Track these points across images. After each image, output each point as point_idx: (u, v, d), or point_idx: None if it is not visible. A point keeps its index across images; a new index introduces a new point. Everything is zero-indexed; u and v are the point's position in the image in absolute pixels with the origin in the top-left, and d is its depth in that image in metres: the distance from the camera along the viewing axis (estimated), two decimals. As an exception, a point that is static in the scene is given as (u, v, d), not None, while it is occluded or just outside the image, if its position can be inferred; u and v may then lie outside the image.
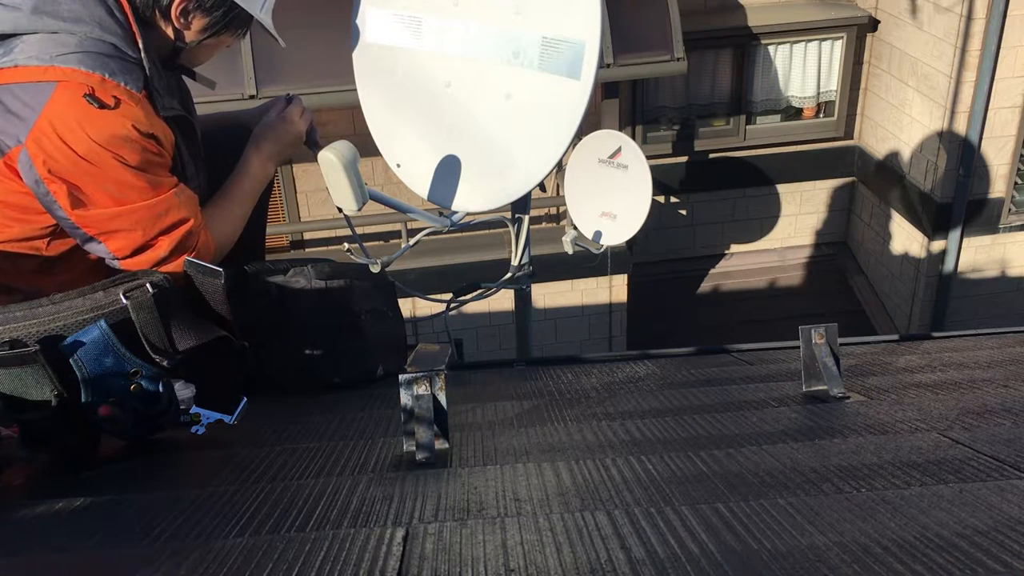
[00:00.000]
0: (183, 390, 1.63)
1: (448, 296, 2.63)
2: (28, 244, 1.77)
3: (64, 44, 1.65)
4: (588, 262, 4.35)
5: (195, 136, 2.01)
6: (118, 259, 1.76)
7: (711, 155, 7.50)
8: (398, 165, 2.41)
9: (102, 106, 1.64)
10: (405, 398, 1.43)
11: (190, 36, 1.84)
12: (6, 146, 1.65)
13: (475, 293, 2.65)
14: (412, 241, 2.34)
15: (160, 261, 1.78)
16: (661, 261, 7.73)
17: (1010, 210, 6.95)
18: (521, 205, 2.50)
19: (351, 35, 2.39)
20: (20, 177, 1.67)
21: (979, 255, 7.08)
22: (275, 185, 2.47)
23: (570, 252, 2.79)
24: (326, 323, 2.11)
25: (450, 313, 2.71)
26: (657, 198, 7.49)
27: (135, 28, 1.73)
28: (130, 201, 1.72)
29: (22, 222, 1.74)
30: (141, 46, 1.73)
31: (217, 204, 1.98)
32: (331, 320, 2.11)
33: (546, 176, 2.22)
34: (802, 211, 7.89)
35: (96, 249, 1.76)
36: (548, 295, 6.66)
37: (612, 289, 6.97)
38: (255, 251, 2.33)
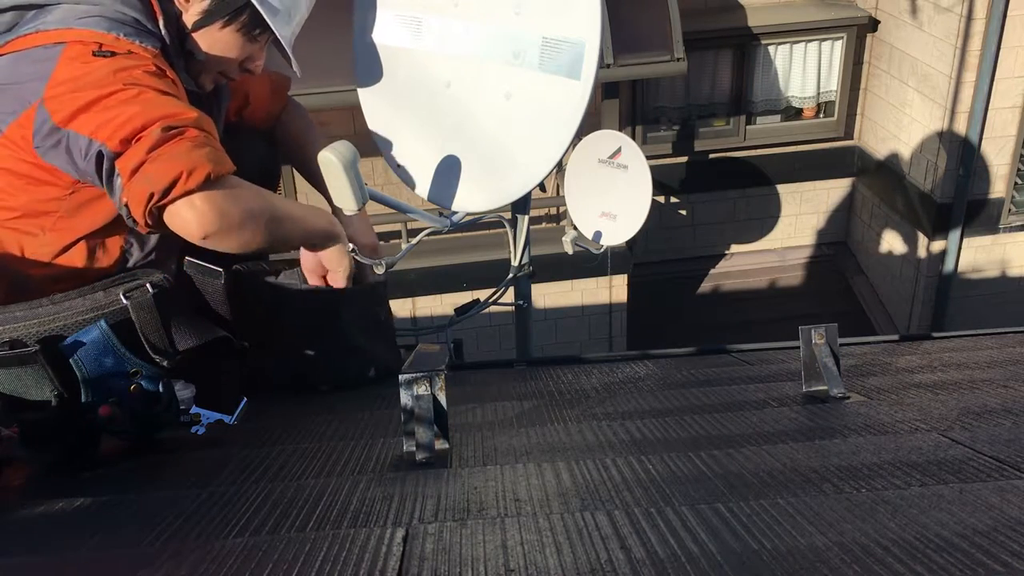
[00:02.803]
0: (183, 390, 1.63)
1: (444, 295, 2.63)
2: (33, 222, 1.77)
3: (86, 12, 1.70)
4: (588, 262, 4.35)
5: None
6: (115, 153, 1.60)
7: (711, 155, 7.50)
8: (398, 165, 2.41)
9: (113, 55, 1.65)
10: (405, 398, 1.43)
11: (188, 18, 1.81)
12: (26, 105, 1.65)
13: (474, 310, 2.65)
14: (414, 241, 2.34)
15: (153, 146, 1.57)
16: (661, 261, 7.73)
17: (1010, 210, 6.95)
18: (521, 205, 2.50)
19: (351, 35, 2.39)
20: (31, 140, 1.66)
21: (979, 255, 7.08)
22: (278, 185, 2.47)
23: (570, 252, 2.79)
24: (317, 324, 2.10)
25: (452, 327, 2.71)
26: (657, 198, 7.49)
27: (156, 6, 1.77)
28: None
29: (29, 192, 1.73)
30: (161, 23, 1.77)
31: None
32: (322, 321, 2.10)
33: (546, 176, 2.21)
34: (802, 211, 7.89)
35: (97, 155, 1.61)
36: (548, 295, 6.66)
37: (612, 289, 6.97)
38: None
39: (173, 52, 1.80)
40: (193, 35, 1.83)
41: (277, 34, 1.85)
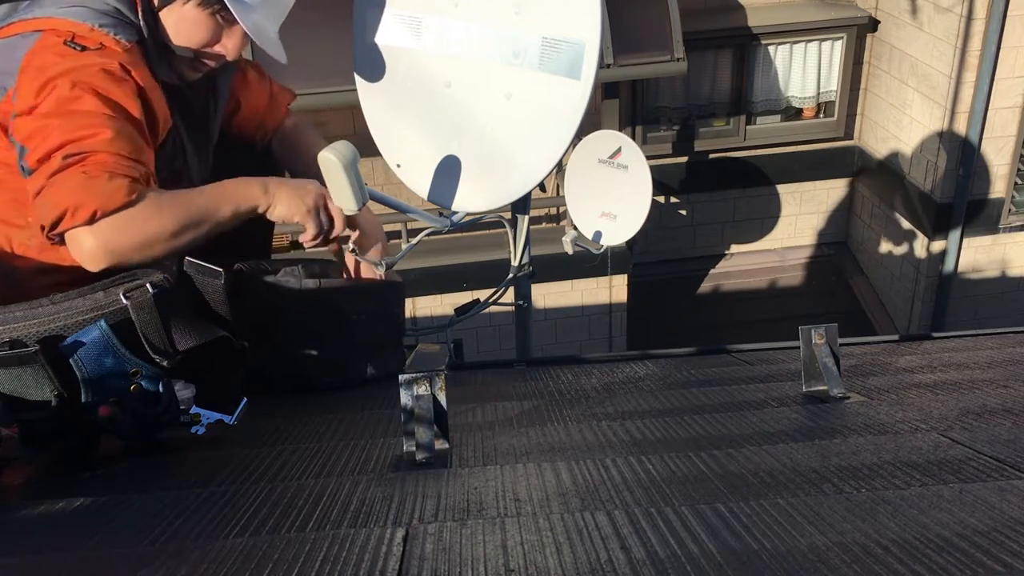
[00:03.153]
0: (183, 390, 1.63)
1: (444, 295, 2.63)
2: (18, 213, 1.76)
3: (71, 2, 1.73)
4: (588, 262, 4.36)
5: (201, 126, 2.00)
6: (29, 170, 1.63)
7: (711, 155, 7.50)
8: (398, 165, 2.41)
9: (83, 49, 1.67)
10: (405, 398, 1.43)
11: None
12: (2, 92, 1.68)
13: (474, 310, 2.66)
14: (414, 241, 2.34)
15: (53, 172, 1.59)
16: (661, 261, 7.73)
17: (1010, 210, 6.95)
18: (521, 205, 2.50)
19: (351, 35, 2.39)
20: (7, 127, 1.68)
21: (979, 255, 7.08)
22: None
23: (570, 252, 2.79)
24: (315, 323, 2.10)
25: (452, 327, 2.72)
26: (657, 198, 7.49)
27: None
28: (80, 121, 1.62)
29: (11, 181, 1.73)
30: (140, 10, 1.77)
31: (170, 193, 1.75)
32: (320, 320, 2.10)
33: (546, 176, 2.22)
34: (802, 211, 7.89)
35: (21, 164, 1.65)
36: (548, 295, 6.66)
37: (612, 289, 6.97)
38: (263, 251, 2.34)
39: (152, 43, 1.79)
40: (161, 15, 1.82)
41: (232, 11, 1.81)
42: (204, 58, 1.90)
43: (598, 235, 2.69)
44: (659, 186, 7.31)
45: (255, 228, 2.14)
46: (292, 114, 2.31)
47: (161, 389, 1.55)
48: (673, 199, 7.66)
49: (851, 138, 7.67)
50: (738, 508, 1.08)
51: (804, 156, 7.60)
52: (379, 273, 2.16)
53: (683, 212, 7.74)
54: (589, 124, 2.19)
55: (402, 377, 1.43)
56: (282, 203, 1.86)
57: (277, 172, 2.36)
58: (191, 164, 1.98)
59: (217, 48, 1.88)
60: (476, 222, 2.53)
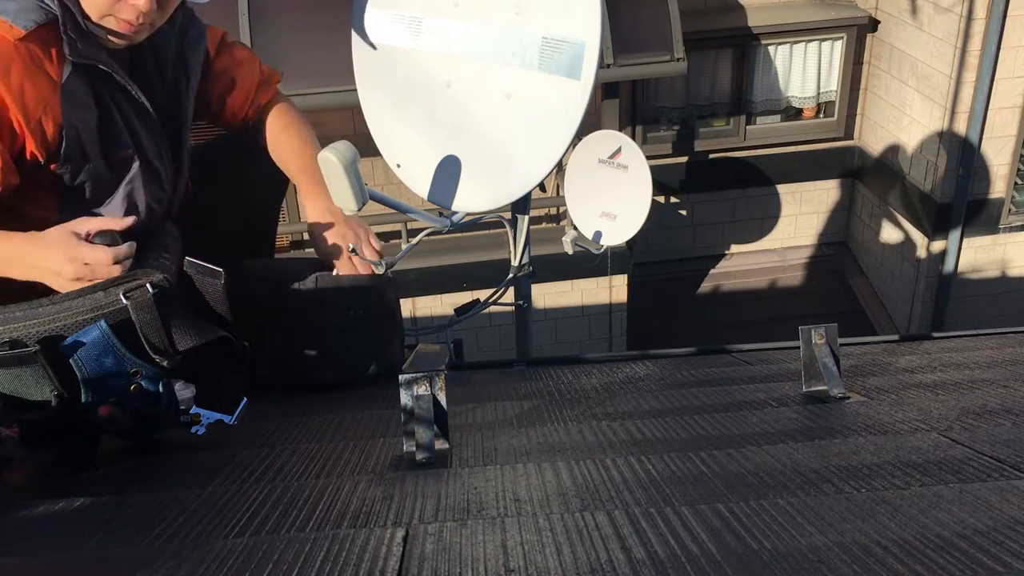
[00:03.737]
0: (183, 390, 1.63)
1: (444, 295, 2.63)
2: None
3: None
4: (588, 262, 4.36)
5: (169, 107, 1.98)
6: None
7: (711, 155, 7.50)
8: (398, 165, 2.41)
9: None
10: (405, 398, 1.43)
11: None
12: None
13: (474, 310, 2.66)
14: (414, 241, 2.34)
15: None
16: (661, 261, 7.74)
17: (1010, 210, 6.95)
18: (521, 205, 2.51)
19: (351, 35, 2.39)
20: None
21: (979, 255, 7.08)
22: (285, 191, 2.44)
23: (570, 252, 2.79)
24: (314, 322, 2.10)
25: (452, 327, 2.72)
26: (657, 198, 7.49)
27: None
28: None
29: None
30: None
31: None
32: (320, 319, 2.10)
33: (546, 176, 2.22)
34: (802, 211, 7.89)
35: None
36: (548, 295, 6.66)
37: (612, 289, 6.97)
38: (265, 250, 2.33)
39: (71, 24, 1.73)
40: None
41: None
42: (121, 13, 1.78)
43: (598, 235, 2.69)
44: (659, 186, 7.31)
45: (257, 228, 2.14)
46: (280, 95, 2.25)
47: (161, 389, 1.55)
48: (673, 199, 7.66)
49: (851, 138, 7.67)
50: (738, 508, 1.08)
51: (804, 156, 7.60)
52: (378, 273, 2.16)
53: (683, 212, 7.74)
54: (589, 124, 2.19)
55: (402, 377, 1.43)
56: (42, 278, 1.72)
57: (258, 151, 2.27)
58: (147, 149, 1.94)
59: (130, 1, 1.77)
60: (476, 222, 2.53)
